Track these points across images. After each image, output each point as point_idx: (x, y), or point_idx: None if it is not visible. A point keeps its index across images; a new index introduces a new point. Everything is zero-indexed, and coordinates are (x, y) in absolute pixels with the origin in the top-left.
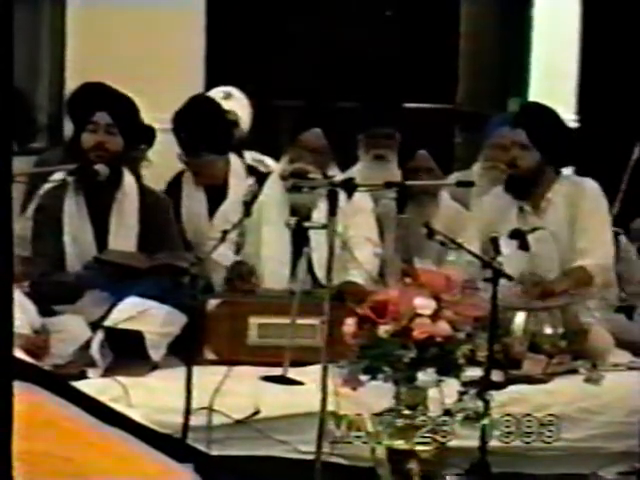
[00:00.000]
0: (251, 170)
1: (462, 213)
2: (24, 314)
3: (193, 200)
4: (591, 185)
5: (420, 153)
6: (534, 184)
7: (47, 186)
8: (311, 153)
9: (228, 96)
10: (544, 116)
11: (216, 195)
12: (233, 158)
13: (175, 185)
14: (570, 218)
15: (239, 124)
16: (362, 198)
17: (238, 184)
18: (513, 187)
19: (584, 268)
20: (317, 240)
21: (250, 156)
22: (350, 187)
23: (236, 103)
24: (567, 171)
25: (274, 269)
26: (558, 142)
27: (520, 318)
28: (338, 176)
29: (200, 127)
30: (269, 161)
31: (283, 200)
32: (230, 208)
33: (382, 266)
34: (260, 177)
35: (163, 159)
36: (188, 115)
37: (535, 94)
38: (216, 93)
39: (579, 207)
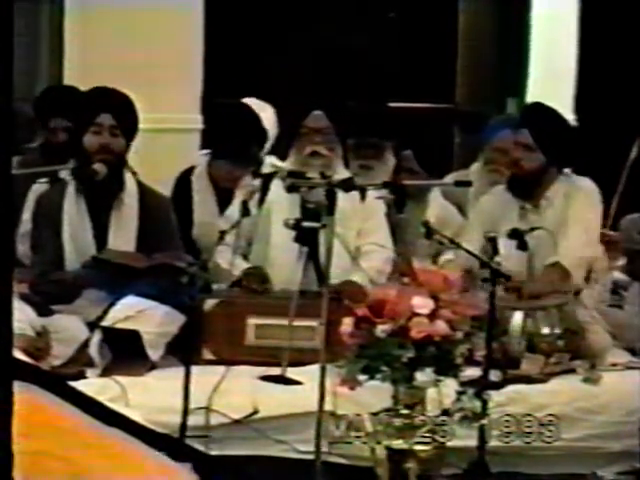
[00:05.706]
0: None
1: (449, 209)
2: (23, 315)
3: (204, 199)
4: (587, 185)
5: (405, 154)
6: (536, 184)
7: (37, 186)
8: (318, 134)
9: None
10: (549, 117)
11: (226, 196)
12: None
13: (184, 182)
14: (565, 216)
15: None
16: (375, 200)
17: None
18: (515, 187)
19: (559, 263)
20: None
21: (269, 161)
22: (348, 187)
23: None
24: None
25: (285, 270)
26: (562, 143)
27: (517, 317)
28: (345, 174)
29: (240, 134)
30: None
31: (292, 200)
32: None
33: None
34: (266, 177)
35: (163, 159)
36: (230, 120)
37: (533, 94)
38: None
39: (572, 206)
